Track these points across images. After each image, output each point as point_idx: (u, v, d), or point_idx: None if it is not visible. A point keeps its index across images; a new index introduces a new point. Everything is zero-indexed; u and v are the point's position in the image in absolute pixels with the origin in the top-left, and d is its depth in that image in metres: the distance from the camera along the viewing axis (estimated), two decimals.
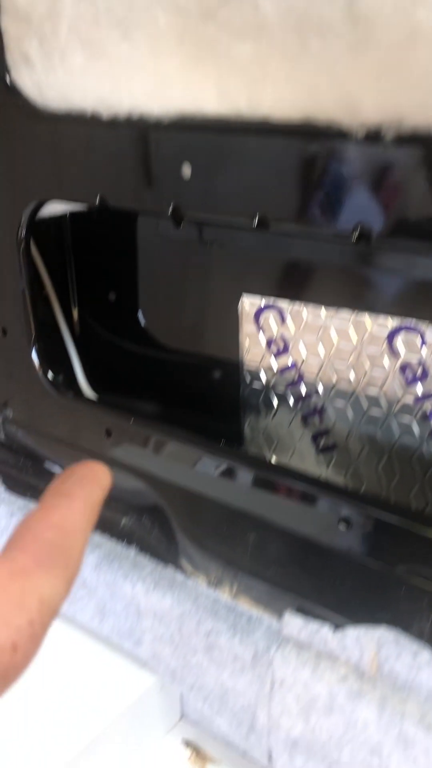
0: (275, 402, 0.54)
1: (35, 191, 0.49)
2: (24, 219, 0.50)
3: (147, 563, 0.52)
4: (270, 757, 0.47)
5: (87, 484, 0.20)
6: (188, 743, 0.55)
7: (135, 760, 0.53)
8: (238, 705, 0.47)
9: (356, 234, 0.35)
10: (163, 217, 0.42)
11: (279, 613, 0.44)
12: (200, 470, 0.47)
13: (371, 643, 0.40)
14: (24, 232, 0.51)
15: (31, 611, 0.17)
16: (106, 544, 0.54)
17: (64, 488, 0.20)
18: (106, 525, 0.56)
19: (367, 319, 0.47)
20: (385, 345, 0.47)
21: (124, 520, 0.56)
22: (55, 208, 0.55)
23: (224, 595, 0.48)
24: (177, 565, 0.51)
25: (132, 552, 0.53)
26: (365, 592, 0.41)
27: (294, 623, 0.43)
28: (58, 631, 0.58)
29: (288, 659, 0.43)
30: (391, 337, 0.47)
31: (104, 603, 0.53)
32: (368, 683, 0.41)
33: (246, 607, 0.47)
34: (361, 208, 0.34)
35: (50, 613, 0.17)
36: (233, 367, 0.56)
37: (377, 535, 0.41)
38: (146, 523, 0.54)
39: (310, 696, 0.42)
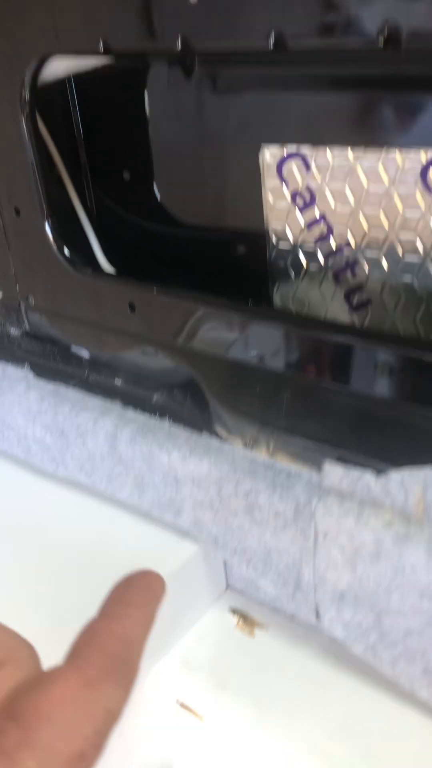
0: (304, 262, 0.52)
1: (34, 46, 0.46)
2: (27, 79, 0.47)
3: (181, 433, 0.51)
4: (317, 614, 0.47)
5: (145, 594, 0.22)
6: (235, 611, 0.56)
7: (182, 631, 0.53)
8: (282, 564, 0.47)
9: (383, 37, 0.31)
10: (173, 61, 0.38)
11: (318, 466, 0.43)
12: (231, 335, 0.46)
13: (416, 485, 0.39)
14: (27, 95, 0.48)
15: (98, 721, 0.17)
16: (138, 418, 0.54)
17: (125, 598, 0.22)
18: (137, 402, 0.55)
19: (398, 155, 0.44)
20: (419, 182, 0.44)
21: (155, 397, 0.55)
22: (58, 70, 0.52)
23: (261, 455, 0.47)
24: (212, 432, 0.50)
25: (166, 424, 0.53)
26: (407, 437, 0.40)
27: (334, 473, 0.42)
28: (99, 508, 0.59)
29: (330, 510, 0.42)
30: (425, 172, 0.44)
31: (142, 476, 0.53)
32: (414, 526, 0.40)
33: (284, 463, 0.46)
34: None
35: (113, 722, 0.18)
36: (258, 233, 0.53)
37: (419, 377, 0.39)
38: (178, 397, 0.53)
39: (356, 545, 0.42)
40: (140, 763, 0.45)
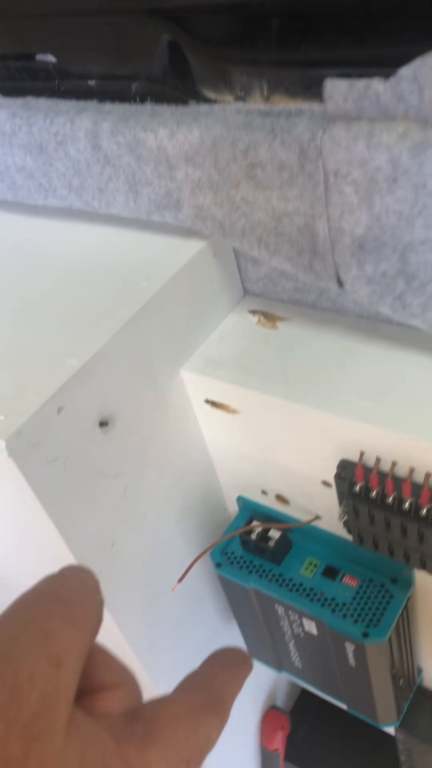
0: None
1: None
2: None
3: (165, 110, 0.46)
4: (339, 280, 0.44)
5: (238, 664, 0.26)
6: (255, 311, 0.54)
7: (204, 335, 0.52)
8: (295, 229, 0.43)
9: None
10: None
11: (319, 97, 0.38)
12: None
13: (431, 74, 0.33)
14: None
15: (201, 740, 0.21)
16: (117, 109, 0.48)
17: (221, 661, 0.26)
18: (115, 95, 0.50)
19: None
20: None
21: (134, 86, 0.49)
22: None
23: (256, 104, 0.42)
24: (199, 97, 0.45)
25: (148, 106, 0.47)
26: (413, 20, 0.34)
27: (338, 91, 0.36)
28: (98, 229, 0.56)
29: (338, 140, 0.37)
30: None
31: (133, 173, 0.48)
32: None
33: (283, 104, 0.40)
34: None
35: (209, 747, 0.22)
36: None
37: None
38: (158, 75, 0.47)
39: (370, 174, 0.37)
40: None
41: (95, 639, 0.21)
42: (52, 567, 0.52)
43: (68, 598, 0.20)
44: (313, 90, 0.39)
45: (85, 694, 0.21)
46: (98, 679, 0.22)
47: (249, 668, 0.26)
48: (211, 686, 0.24)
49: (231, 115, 0.43)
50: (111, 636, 0.54)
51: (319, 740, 0.88)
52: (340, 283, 0.44)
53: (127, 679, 0.23)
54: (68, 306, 0.48)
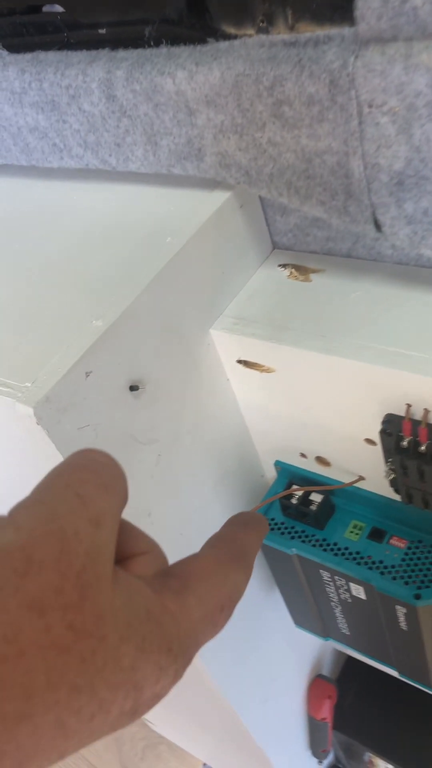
0: None
1: None
2: None
3: (182, 51, 0.43)
4: (376, 223, 0.41)
5: (256, 524, 0.28)
6: (284, 265, 0.51)
7: (232, 292, 0.50)
8: (327, 170, 0.41)
9: None
10: None
11: (350, 20, 0.35)
12: None
13: None
14: None
15: (230, 589, 0.23)
16: (131, 55, 0.46)
17: (241, 522, 0.28)
18: (128, 42, 0.47)
19: None
20: None
21: (147, 30, 0.46)
22: None
23: (281, 34, 0.39)
24: (218, 34, 0.42)
25: (164, 49, 0.45)
26: None
27: (371, 8, 0.34)
28: (119, 188, 0.53)
29: (372, 64, 0.34)
30: None
31: (151, 123, 0.46)
32: None
33: (309, 32, 0.38)
34: None
35: (239, 596, 0.24)
36: None
37: None
38: (173, 15, 0.44)
39: (408, 101, 0.35)
40: None
41: (124, 506, 0.23)
42: None
43: (97, 469, 0.22)
44: (342, 12, 0.36)
45: (119, 561, 0.23)
46: (128, 548, 0.23)
47: (266, 527, 0.29)
48: (233, 543, 0.26)
49: (253, 49, 0.40)
50: None
51: (367, 708, 0.87)
52: (377, 226, 0.42)
53: (153, 546, 0.24)
54: (91, 267, 0.46)
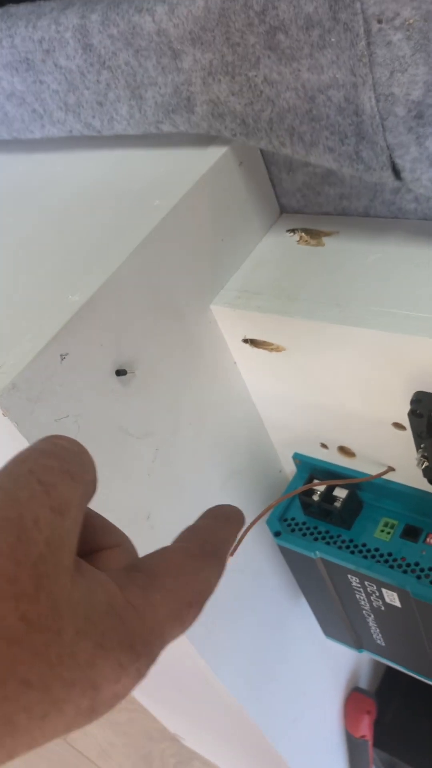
0: None
1: None
2: None
3: None
4: (394, 167, 0.36)
5: (233, 518, 0.27)
6: (293, 229, 0.46)
7: (236, 262, 0.45)
8: (333, 108, 0.35)
9: None
10: None
11: None
12: None
13: None
14: None
15: (200, 584, 0.22)
16: None
17: (216, 515, 0.27)
18: None
19: None
20: None
21: None
22: None
23: None
24: None
25: None
26: None
27: None
28: (107, 154, 0.49)
29: None
30: None
31: (133, 73, 0.41)
32: None
33: None
34: None
35: (209, 592, 0.23)
36: None
37: None
38: None
39: (424, 10, 0.29)
40: None
41: (92, 497, 0.22)
42: None
43: (64, 455, 0.21)
44: None
45: (86, 555, 0.22)
46: (97, 541, 0.23)
47: (242, 520, 0.27)
48: (206, 535, 0.25)
49: None
50: None
51: (410, 723, 0.81)
52: (396, 171, 0.36)
53: (123, 540, 0.24)
54: (71, 240, 0.42)
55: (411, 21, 0.30)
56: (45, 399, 0.34)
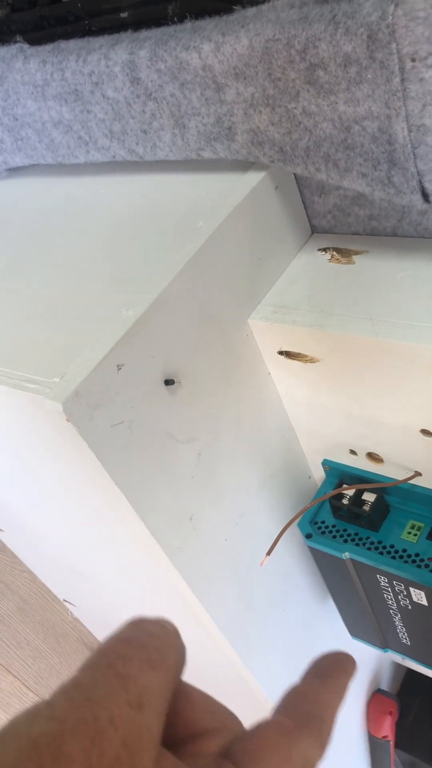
0: None
1: None
2: None
3: (207, 23, 0.41)
4: (424, 192, 0.38)
5: (339, 670, 0.24)
6: (325, 249, 0.48)
7: (271, 279, 0.47)
8: (368, 137, 0.38)
9: None
10: None
11: None
12: None
13: None
14: None
15: (296, 765, 0.20)
16: (154, 33, 0.44)
17: (319, 671, 0.24)
18: (151, 23, 0.45)
19: None
20: None
21: (170, 7, 0.44)
22: None
23: None
24: (245, 1, 0.40)
25: (188, 24, 0.43)
26: None
27: None
28: (148, 178, 0.51)
29: (414, 12, 0.32)
30: None
31: (178, 104, 0.44)
32: None
33: None
34: None
35: None
36: None
37: None
38: None
39: None
40: None
41: (178, 680, 0.21)
42: (129, 551, 0.48)
43: (145, 642, 0.20)
44: None
45: (184, 740, 0.21)
46: (198, 724, 0.22)
47: (352, 670, 0.25)
48: (307, 702, 0.23)
49: (283, 11, 0.38)
50: (200, 622, 0.50)
51: (431, 725, 0.82)
52: (425, 195, 0.39)
53: (228, 721, 0.22)
54: (121, 258, 0.44)
55: None
56: (103, 406, 0.37)
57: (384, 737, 0.80)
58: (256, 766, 0.20)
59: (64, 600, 0.90)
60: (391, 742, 0.81)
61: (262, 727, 0.21)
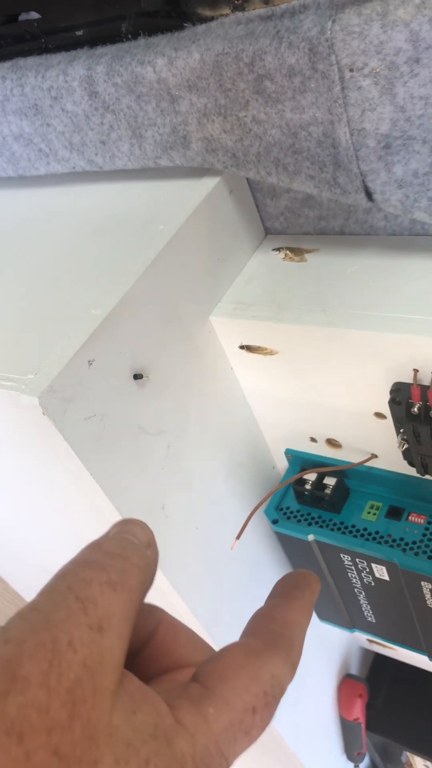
0: None
1: None
2: None
3: (160, 39, 0.44)
4: (367, 191, 0.41)
5: (303, 588, 0.25)
6: (278, 248, 0.51)
7: (229, 278, 0.50)
8: (313, 142, 0.41)
9: None
10: None
11: None
12: None
13: None
14: None
15: (264, 683, 0.20)
16: (110, 50, 0.46)
17: (284, 591, 0.24)
18: (106, 40, 0.48)
19: None
20: None
21: (124, 26, 0.47)
22: None
23: (257, 8, 0.39)
24: (195, 18, 0.42)
25: (142, 41, 0.45)
26: None
27: None
28: (106, 187, 0.54)
29: (350, 27, 0.35)
30: None
31: (134, 115, 0.46)
32: None
33: (285, 2, 0.38)
34: None
35: (280, 689, 0.20)
36: None
37: None
38: (149, 9, 0.45)
39: (389, 60, 0.35)
40: None
41: (143, 599, 0.21)
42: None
43: (105, 564, 0.20)
44: None
45: (165, 671, 0.22)
46: (183, 659, 0.22)
47: (317, 587, 0.25)
48: (274, 622, 0.23)
49: (231, 27, 0.40)
50: (173, 607, 0.52)
51: (400, 705, 0.85)
52: (368, 194, 0.42)
53: (205, 654, 0.22)
54: (86, 261, 0.46)
55: (378, 70, 0.36)
56: (76, 399, 0.39)
57: (355, 720, 0.82)
58: (223, 685, 0.20)
59: None
60: (362, 725, 0.84)
61: (229, 649, 0.21)
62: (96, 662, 0.18)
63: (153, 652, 0.22)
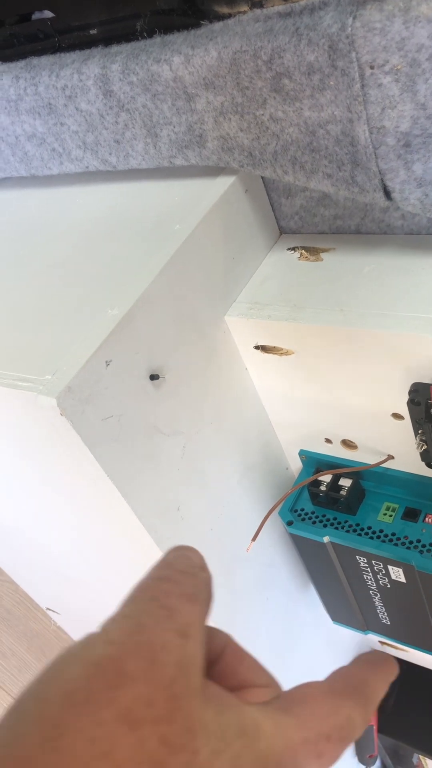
0: None
1: None
2: None
3: (176, 37, 0.43)
4: (386, 190, 0.41)
5: (387, 664, 0.25)
6: (293, 248, 0.51)
7: (244, 278, 0.49)
8: (332, 140, 0.40)
9: None
10: None
11: None
12: None
13: None
14: None
15: (341, 719, 0.21)
16: (125, 48, 0.46)
17: (369, 659, 0.25)
18: (121, 38, 0.47)
19: None
20: None
21: (139, 24, 0.47)
22: None
23: (275, 5, 0.39)
24: (212, 16, 0.42)
25: (157, 39, 0.45)
26: None
27: None
28: (122, 187, 0.53)
29: (371, 24, 0.34)
30: None
31: (150, 114, 0.46)
32: None
33: None
34: None
35: (352, 732, 0.21)
36: None
37: None
38: (165, 6, 0.45)
39: (410, 57, 0.34)
40: None
41: (210, 614, 0.22)
42: (118, 544, 0.49)
43: (178, 579, 0.22)
44: None
45: (232, 689, 0.22)
46: (246, 677, 0.23)
47: (394, 668, 0.26)
48: (353, 677, 0.24)
49: (249, 25, 0.40)
50: None
51: (411, 708, 0.85)
52: (386, 193, 0.41)
53: (273, 683, 0.23)
54: (102, 260, 0.46)
55: (399, 67, 0.36)
56: (93, 400, 0.38)
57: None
58: (304, 708, 0.21)
59: (47, 608, 0.90)
60: (373, 727, 0.83)
61: (311, 683, 0.23)
62: (186, 664, 0.19)
63: (221, 670, 0.23)
